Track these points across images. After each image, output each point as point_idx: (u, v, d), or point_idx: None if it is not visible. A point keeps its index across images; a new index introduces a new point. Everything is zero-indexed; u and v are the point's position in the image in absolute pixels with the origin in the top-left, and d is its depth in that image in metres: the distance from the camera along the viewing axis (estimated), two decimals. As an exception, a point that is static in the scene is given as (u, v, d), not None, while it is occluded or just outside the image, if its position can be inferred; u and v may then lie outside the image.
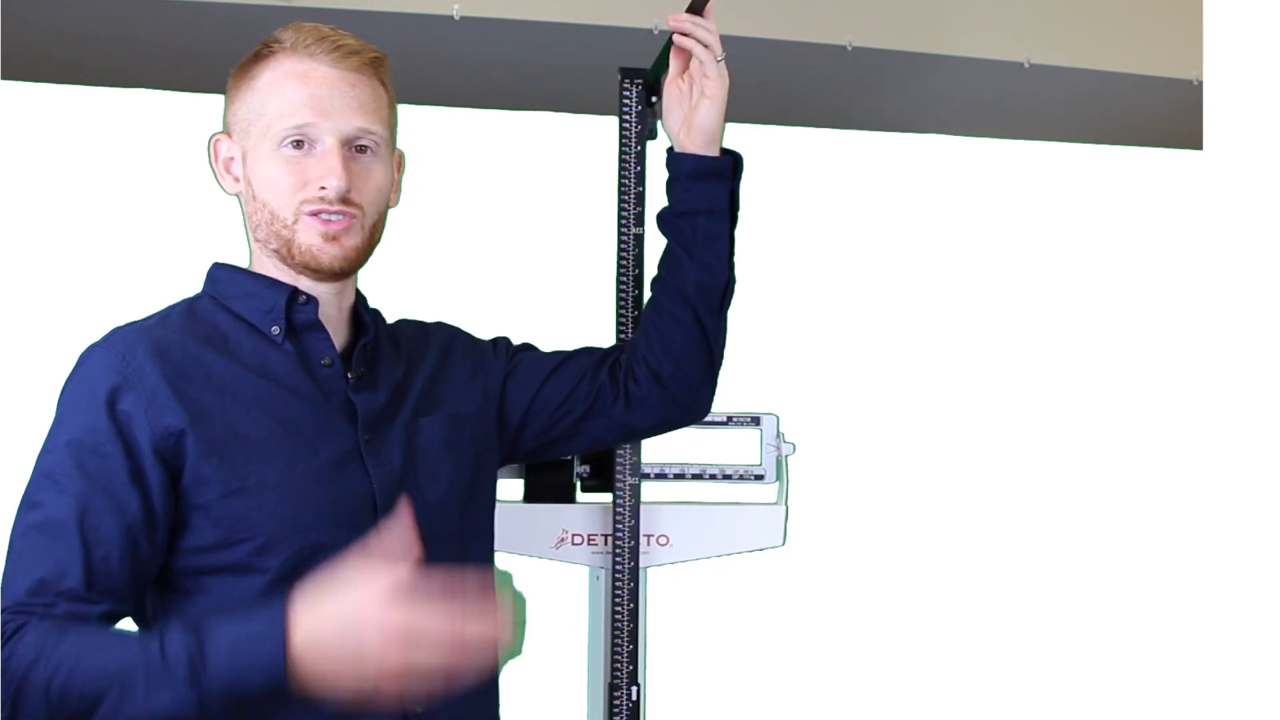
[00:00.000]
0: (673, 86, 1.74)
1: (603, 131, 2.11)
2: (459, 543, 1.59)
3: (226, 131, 1.55)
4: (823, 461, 2.43)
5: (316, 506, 1.47)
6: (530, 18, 2.18)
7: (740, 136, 2.78)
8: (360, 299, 1.63)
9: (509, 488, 2.04)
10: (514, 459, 1.78)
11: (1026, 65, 2.42)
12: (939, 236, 3.35)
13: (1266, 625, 1.45)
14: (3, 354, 2.62)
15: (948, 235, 3.36)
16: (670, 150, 1.76)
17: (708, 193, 1.72)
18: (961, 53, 2.38)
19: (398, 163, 1.61)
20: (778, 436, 2.11)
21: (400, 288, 1.77)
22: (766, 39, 2.26)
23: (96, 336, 1.49)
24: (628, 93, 1.95)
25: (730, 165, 1.74)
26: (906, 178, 3.27)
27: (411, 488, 1.53)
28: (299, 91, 1.48)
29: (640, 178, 1.96)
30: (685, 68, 1.74)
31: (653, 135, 1.96)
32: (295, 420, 1.49)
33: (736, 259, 1.78)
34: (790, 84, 2.50)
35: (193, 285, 1.61)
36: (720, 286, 1.75)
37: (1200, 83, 2.49)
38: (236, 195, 1.56)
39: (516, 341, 1.81)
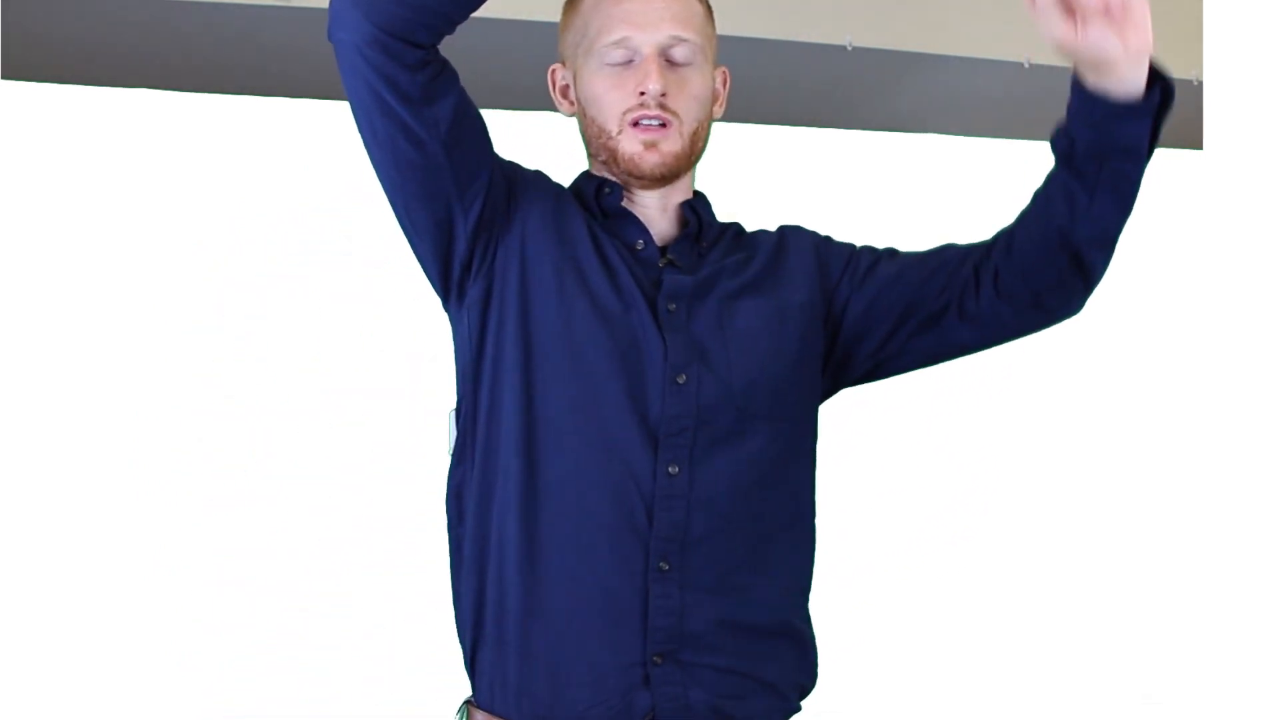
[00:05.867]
0: None
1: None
2: (773, 425, 1.58)
3: (561, 60, 1.66)
4: (822, 457, 2.42)
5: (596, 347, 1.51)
6: (530, 18, 2.18)
7: (740, 136, 2.77)
8: (699, 199, 1.66)
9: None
10: (842, 383, 1.72)
11: (1026, 65, 2.42)
12: (939, 236, 3.34)
13: (1266, 625, 1.45)
14: (3, 353, 2.62)
15: (948, 235, 3.34)
16: (1079, 83, 1.50)
17: (1126, 131, 1.50)
18: (961, 53, 2.38)
19: (723, 77, 1.66)
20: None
21: (400, 286, 1.77)
22: (766, 39, 2.26)
23: (96, 337, 1.49)
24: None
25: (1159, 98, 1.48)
26: (906, 178, 3.27)
27: (718, 364, 1.54)
28: (617, 8, 1.57)
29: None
30: None
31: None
32: (605, 291, 1.54)
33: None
34: (790, 84, 2.50)
35: (192, 284, 1.60)
36: (1115, 236, 1.55)
37: (1200, 83, 2.49)
38: (574, 117, 1.66)
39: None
